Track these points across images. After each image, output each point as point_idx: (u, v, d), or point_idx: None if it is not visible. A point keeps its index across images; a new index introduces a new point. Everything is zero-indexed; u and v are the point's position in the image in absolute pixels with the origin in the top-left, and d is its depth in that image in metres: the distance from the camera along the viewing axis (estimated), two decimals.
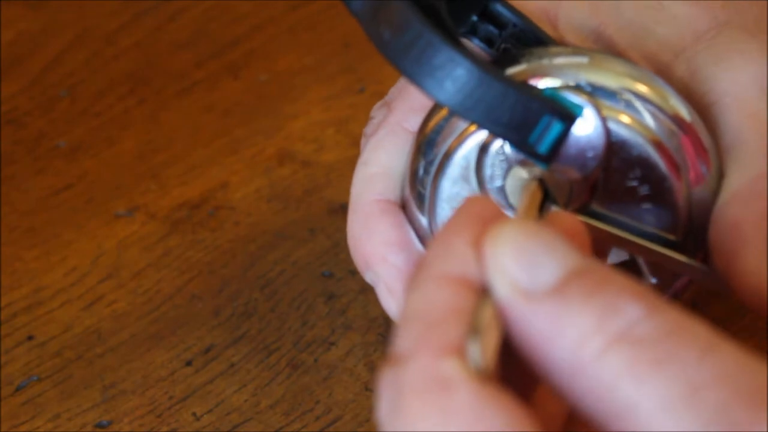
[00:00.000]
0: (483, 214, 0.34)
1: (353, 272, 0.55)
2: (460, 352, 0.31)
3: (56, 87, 0.65)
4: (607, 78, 0.40)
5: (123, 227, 0.58)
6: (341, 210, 0.58)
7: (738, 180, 0.41)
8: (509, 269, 0.32)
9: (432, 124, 0.43)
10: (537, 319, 0.31)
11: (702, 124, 0.41)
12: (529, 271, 0.31)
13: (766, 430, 0.29)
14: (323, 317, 0.53)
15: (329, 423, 0.50)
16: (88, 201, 0.59)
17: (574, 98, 0.39)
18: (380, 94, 0.64)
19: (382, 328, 0.53)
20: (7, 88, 0.65)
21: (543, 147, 0.38)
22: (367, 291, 0.54)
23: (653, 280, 0.43)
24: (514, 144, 0.39)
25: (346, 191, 0.59)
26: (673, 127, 0.40)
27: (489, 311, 0.32)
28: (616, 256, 0.43)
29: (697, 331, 0.30)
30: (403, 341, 0.31)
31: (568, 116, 0.39)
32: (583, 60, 0.41)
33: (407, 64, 0.37)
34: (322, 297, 0.54)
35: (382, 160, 0.45)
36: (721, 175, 0.41)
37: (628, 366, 0.30)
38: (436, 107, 0.43)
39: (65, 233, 0.58)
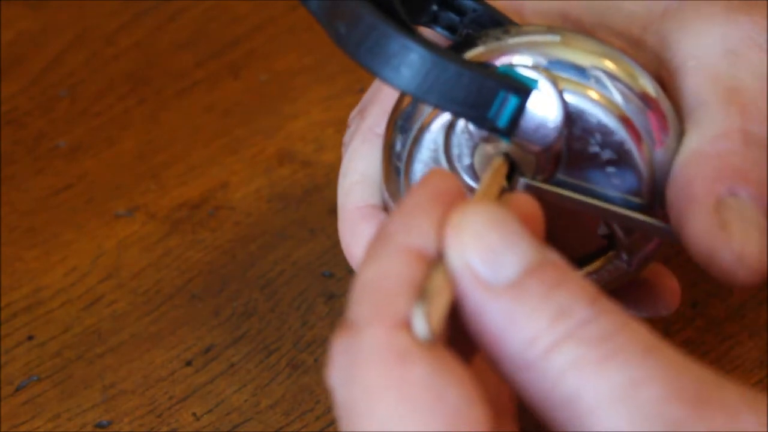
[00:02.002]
0: (443, 187, 0.35)
1: (353, 272, 0.55)
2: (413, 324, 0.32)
3: (56, 87, 0.65)
4: (575, 54, 0.42)
5: (123, 227, 0.58)
6: None
7: (695, 140, 0.41)
8: (472, 262, 0.33)
9: (398, 114, 0.44)
10: (494, 311, 0.33)
11: (663, 95, 0.43)
12: (491, 266, 0.33)
13: (700, 429, 0.31)
14: (323, 317, 0.53)
15: (329, 423, 0.50)
16: (88, 201, 0.59)
17: (528, 72, 0.41)
18: None
19: None
20: (7, 88, 0.65)
21: (502, 121, 0.40)
22: None
23: (624, 257, 0.44)
24: (474, 121, 0.40)
25: None
26: (636, 100, 0.42)
27: (439, 278, 0.33)
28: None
29: (641, 332, 0.32)
30: (359, 310, 0.32)
31: (523, 89, 0.40)
32: (549, 38, 0.42)
33: (363, 55, 0.39)
34: (322, 297, 0.54)
35: (359, 168, 0.46)
36: (681, 137, 0.42)
37: (574, 362, 0.32)
38: (400, 99, 0.44)
39: (65, 233, 0.58)
